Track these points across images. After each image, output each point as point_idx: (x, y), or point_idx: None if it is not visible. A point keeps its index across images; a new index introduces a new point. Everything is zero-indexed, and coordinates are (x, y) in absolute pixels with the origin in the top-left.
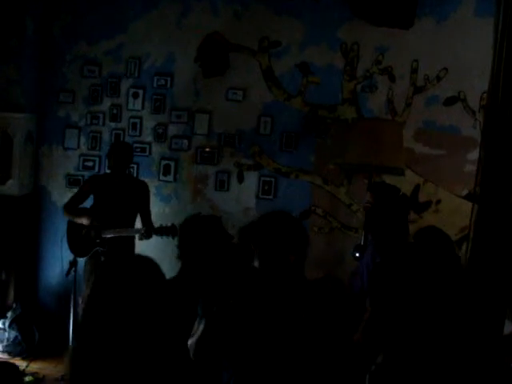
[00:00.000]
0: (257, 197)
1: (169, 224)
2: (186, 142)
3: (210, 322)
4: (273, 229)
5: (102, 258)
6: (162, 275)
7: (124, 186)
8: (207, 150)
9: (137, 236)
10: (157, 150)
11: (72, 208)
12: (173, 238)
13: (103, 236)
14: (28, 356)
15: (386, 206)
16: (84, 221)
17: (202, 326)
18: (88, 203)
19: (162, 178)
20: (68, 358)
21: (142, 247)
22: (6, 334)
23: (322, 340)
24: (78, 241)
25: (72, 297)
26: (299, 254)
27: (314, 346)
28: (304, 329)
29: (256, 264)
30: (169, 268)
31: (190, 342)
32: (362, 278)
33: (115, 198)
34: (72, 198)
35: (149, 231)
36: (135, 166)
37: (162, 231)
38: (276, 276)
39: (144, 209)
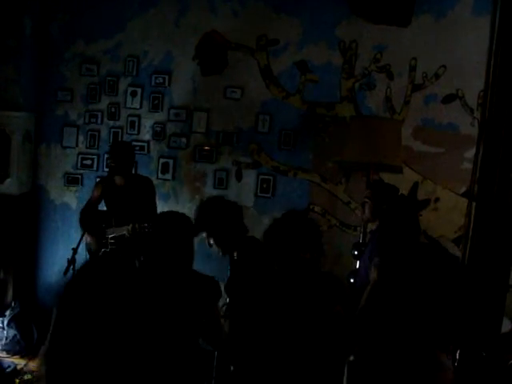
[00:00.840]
0: (255, 195)
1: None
2: (184, 140)
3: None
4: (286, 230)
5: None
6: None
7: (130, 186)
8: (206, 148)
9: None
10: (155, 148)
11: (87, 216)
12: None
13: (106, 236)
14: (27, 354)
15: (386, 205)
16: (88, 239)
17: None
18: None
19: (160, 176)
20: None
21: None
22: (5, 332)
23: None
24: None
25: None
26: (314, 250)
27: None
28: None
29: (275, 265)
30: None
31: None
32: (362, 275)
33: (123, 201)
34: (86, 206)
35: (133, 229)
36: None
37: (145, 227)
38: (293, 273)
39: (150, 205)
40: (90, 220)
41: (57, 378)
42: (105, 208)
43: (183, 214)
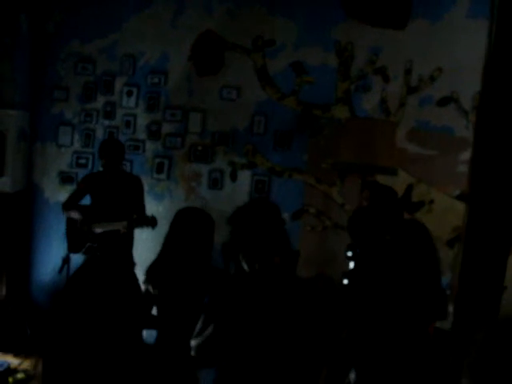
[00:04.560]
0: (250, 196)
1: (149, 215)
2: (179, 140)
3: (220, 324)
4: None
5: (98, 254)
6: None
7: (118, 183)
8: (199, 148)
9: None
10: (150, 147)
11: (69, 206)
12: (152, 229)
13: (93, 231)
14: (20, 353)
15: (381, 207)
16: (75, 215)
17: (210, 329)
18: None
19: (155, 175)
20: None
21: (142, 239)
22: None
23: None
24: (73, 236)
25: None
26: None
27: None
28: (295, 327)
29: (244, 267)
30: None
31: (194, 342)
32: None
33: (110, 195)
34: (69, 197)
35: (130, 224)
36: (128, 164)
37: (142, 222)
38: (263, 277)
39: (138, 203)
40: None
41: (54, 374)
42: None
43: (203, 210)
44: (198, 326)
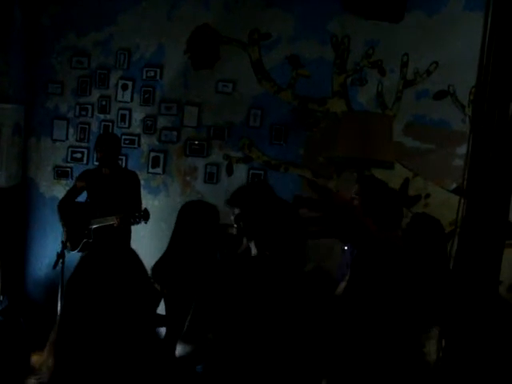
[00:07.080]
0: None
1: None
2: (175, 134)
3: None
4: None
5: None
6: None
7: (115, 178)
8: (196, 142)
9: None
10: (146, 141)
11: (65, 206)
12: (145, 223)
13: (90, 227)
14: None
15: (373, 201)
16: (64, 234)
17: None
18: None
19: (150, 170)
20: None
21: (138, 236)
22: None
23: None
24: (70, 234)
25: (60, 289)
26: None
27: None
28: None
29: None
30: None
31: (181, 348)
32: (343, 269)
33: (107, 191)
34: (66, 195)
35: (123, 217)
36: (124, 158)
37: (135, 217)
38: (273, 265)
39: (135, 199)
40: (67, 210)
41: (65, 368)
42: (85, 200)
43: (208, 203)
44: (187, 326)
